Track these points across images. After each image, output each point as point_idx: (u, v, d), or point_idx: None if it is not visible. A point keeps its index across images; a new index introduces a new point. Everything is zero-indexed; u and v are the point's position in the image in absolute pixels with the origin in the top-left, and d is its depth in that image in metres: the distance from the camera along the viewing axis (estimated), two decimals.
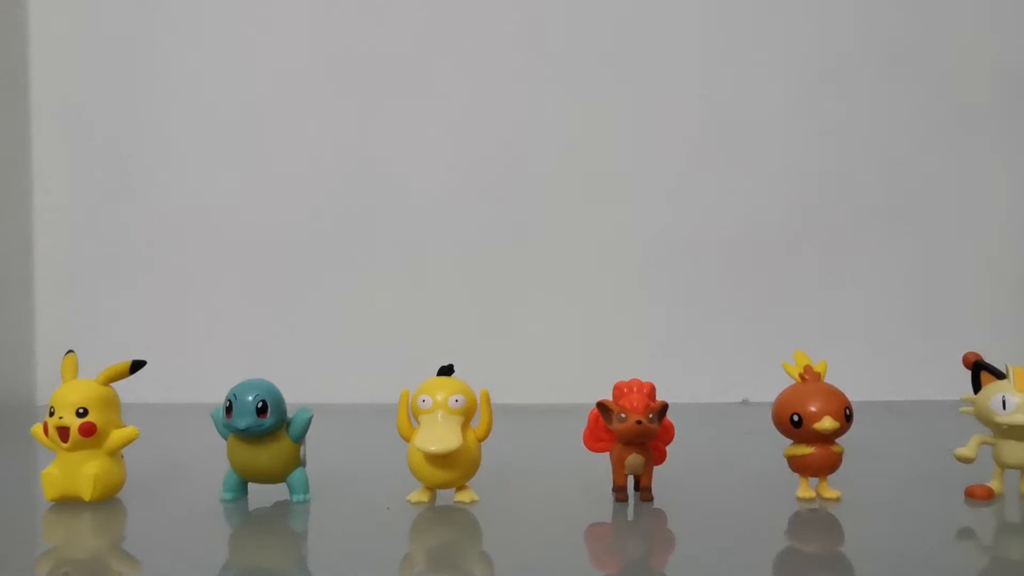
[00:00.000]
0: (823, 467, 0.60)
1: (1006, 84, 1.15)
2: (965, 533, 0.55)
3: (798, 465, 0.60)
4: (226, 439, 0.61)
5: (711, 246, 1.15)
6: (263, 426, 0.58)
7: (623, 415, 0.58)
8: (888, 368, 1.13)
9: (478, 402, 0.61)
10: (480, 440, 0.60)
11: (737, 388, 1.12)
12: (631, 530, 0.56)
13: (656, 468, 0.61)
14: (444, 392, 0.59)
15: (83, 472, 0.60)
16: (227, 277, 1.16)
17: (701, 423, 0.96)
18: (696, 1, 1.16)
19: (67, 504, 0.61)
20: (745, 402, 1.11)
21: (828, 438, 0.59)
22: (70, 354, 0.63)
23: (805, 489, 0.60)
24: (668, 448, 0.62)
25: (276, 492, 0.62)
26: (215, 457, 0.63)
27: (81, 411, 0.59)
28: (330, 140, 1.16)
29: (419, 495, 0.60)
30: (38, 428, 0.61)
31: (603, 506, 0.60)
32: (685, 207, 1.15)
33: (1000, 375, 0.60)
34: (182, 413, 0.96)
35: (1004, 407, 0.59)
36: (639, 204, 1.15)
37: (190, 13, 1.17)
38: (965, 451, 0.62)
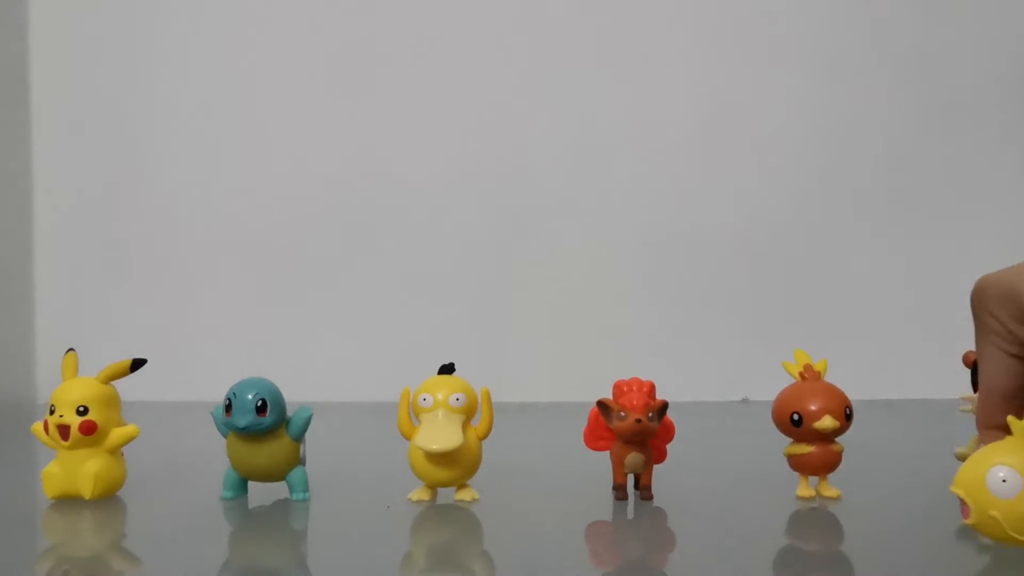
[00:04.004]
0: (823, 466, 0.60)
1: (1007, 83, 1.15)
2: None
3: (798, 464, 0.60)
4: (226, 437, 0.61)
5: (712, 246, 1.15)
6: (262, 424, 0.58)
7: (623, 413, 0.58)
8: (888, 367, 1.13)
9: (479, 401, 0.61)
10: (481, 439, 0.60)
11: (737, 387, 1.12)
12: (631, 528, 0.56)
13: (656, 467, 0.61)
14: (445, 391, 0.59)
15: (83, 470, 0.60)
16: (227, 276, 1.16)
17: (701, 422, 0.96)
18: (697, 3, 1.16)
19: (67, 502, 0.61)
20: (745, 400, 1.11)
21: (828, 437, 0.59)
22: (70, 352, 0.63)
23: (805, 488, 0.60)
24: (668, 447, 0.62)
25: (276, 490, 0.62)
26: (215, 455, 0.63)
27: (81, 409, 0.60)
28: (331, 141, 1.16)
29: (420, 493, 0.60)
30: (38, 426, 0.61)
31: (603, 504, 0.60)
32: (686, 207, 1.15)
33: None
34: (182, 411, 0.96)
35: None
36: (640, 205, 1.15)
37: (190, 13, 1.17)
38: (965, 450, 0.62)
